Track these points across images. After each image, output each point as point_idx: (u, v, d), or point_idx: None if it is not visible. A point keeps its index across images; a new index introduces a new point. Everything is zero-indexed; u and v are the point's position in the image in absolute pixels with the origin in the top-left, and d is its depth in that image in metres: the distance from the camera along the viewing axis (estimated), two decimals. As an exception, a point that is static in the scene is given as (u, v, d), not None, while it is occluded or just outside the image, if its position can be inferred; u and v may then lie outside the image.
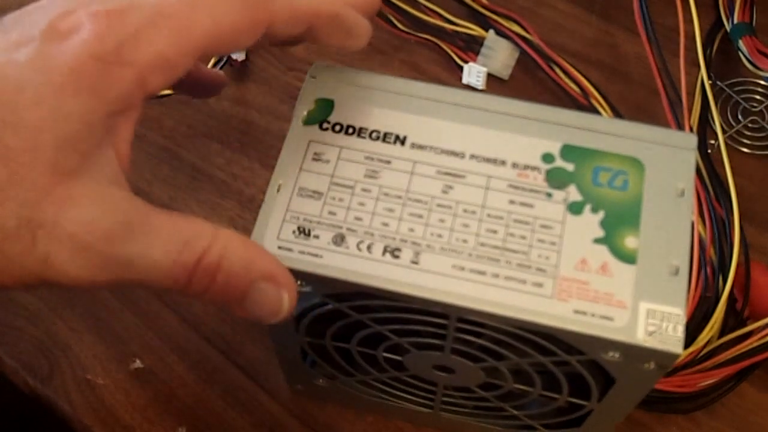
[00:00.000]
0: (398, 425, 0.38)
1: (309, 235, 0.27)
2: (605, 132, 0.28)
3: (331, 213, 0.27)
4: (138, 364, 0.40)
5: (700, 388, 0.37)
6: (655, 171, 0.27)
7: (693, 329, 0.37)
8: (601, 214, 0.26)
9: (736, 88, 0.47)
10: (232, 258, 0.23)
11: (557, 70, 0.46)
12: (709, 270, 0.38)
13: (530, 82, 0.48)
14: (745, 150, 0.45)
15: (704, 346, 0.37)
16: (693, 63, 0.42)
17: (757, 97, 0.47)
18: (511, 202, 0.27)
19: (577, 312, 0.25)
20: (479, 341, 0.28)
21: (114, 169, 0.23)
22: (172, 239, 0.23)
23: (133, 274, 0.22)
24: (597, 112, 0.44)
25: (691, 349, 0.37)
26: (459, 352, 0.29)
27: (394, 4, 0.49)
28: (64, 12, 0.22)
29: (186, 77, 0.24)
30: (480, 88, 0.47)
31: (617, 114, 0.44)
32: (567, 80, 0.45)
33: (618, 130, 0.28)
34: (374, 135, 0.28)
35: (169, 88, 0.25)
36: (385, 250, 0.26)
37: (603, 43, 0.50)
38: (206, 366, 0.40)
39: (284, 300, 0.24)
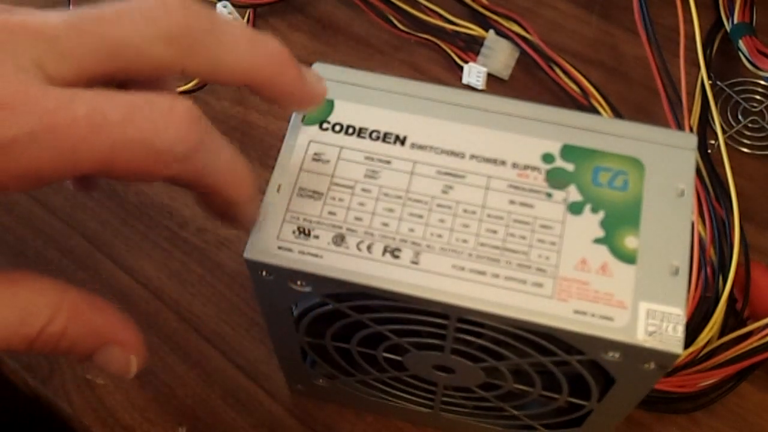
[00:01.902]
0: (398, 425, 0.38)
1: (309, 235, 0.26)
2: (605, 132, 0.28)
3: (331, 213, 0.27)
4: (138, 364, 0.40)
5: (700, 388, 0.37)
6: (655, 171, 0.27)
7: (693, 329, 0.37)
8: (601, 214, 0.26)
9: (736, 88, 0.47)
10: (77, 325, 0.22)
11: (557, 70, 0.46)
12: (709, 270, 0.38)
13: (530, 82, 0.48)
14: (745, 150, 0.45)
15: (704, 346, 0.37)
16: (693, 63, 0.42)
17: (757, 97, 0.47)
18: (511, 202, 0.27)
19: (577, 312, 0.25)
20: (479, 341, 0.28)
21: None
22: (10, 311, 0.21)
23: None
24: (597, 112, 0.44)
25: (691, 349, 0.37)
26: (459, 352, 0.29)
27: (394, 4, 0.49)
28: None
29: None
30: (480, 88, 0.47)
31: (617, 114, 0.44)
32: (567, 80, 0.45)
33: (618, 130, 0.28)
34: (374, 135, 0.28)
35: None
36: (385, 250, 0.26)
37: (603, 43, 0.50)
38: (206, 366, 0.40)
39: (132, 363, 0.24)
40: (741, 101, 0.46)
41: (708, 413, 0.38)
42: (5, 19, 0.21)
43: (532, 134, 0.28)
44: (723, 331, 0.38)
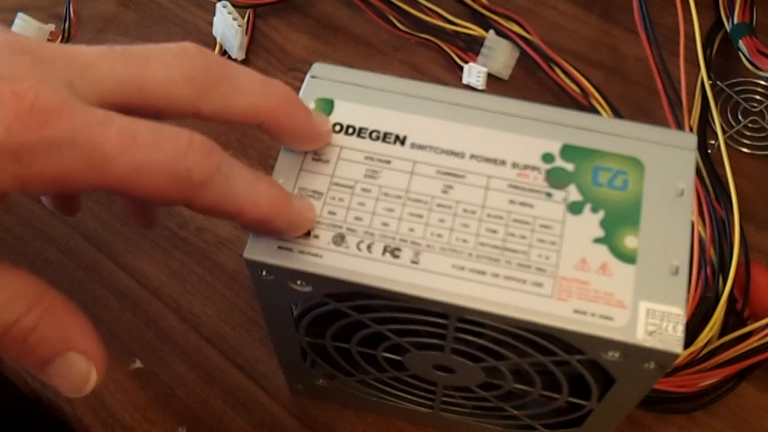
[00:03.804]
0: (398, 425, 0.38)
1: (309, 234, 0.27)
2: (605, 132, 0.28)
3: (331, 213, 0.27)
4: (138, 364, 0.40)
5: (700, 388, 0.37)
6: (655, 171, 0.27)
7: (693, 329, 0.37)
8: (601, 214, 0.26)
9: (736, 88, 0.47)
10: (48, 324, 0.23)
11: (557, 70, 0.46)
12: (709, 270, 0.38)
13: (530, 82, 0.48)
14: (745, 150, 0.45)
15: (704, 346, 0.37)
16: (693, 63, 0.42)
17: (757, 97, 0.47)
18: (511, 201, 0.27)
19: (576, 312, 0.25)
20: (479, 341, 0.28)
21: None
22: None
23: None
24: (597, 112, 0.44)
25: (691, 349, 0.37)
26: (459, 351, 0.29)
27: (394, 4, 0.49)
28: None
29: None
30: (480, 88, 0.47)
31: (617, 114, 0.44)
32: (567, 80, 0.46)
33: (618, 130, 0.28)
34: (374, 135, 0.28)
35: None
36: (385, 250, 0.26)
37: (603, 43, 0.50)
38: (206, 366, 0.40)
39: (92, 376, 0.24)
40: (741, 101, 0.46)
41: (708, 413, 0.38)
42: (46, 45, 0.23)
43: (532, 134, 0.28)
44: (723, 331, 0.38)
